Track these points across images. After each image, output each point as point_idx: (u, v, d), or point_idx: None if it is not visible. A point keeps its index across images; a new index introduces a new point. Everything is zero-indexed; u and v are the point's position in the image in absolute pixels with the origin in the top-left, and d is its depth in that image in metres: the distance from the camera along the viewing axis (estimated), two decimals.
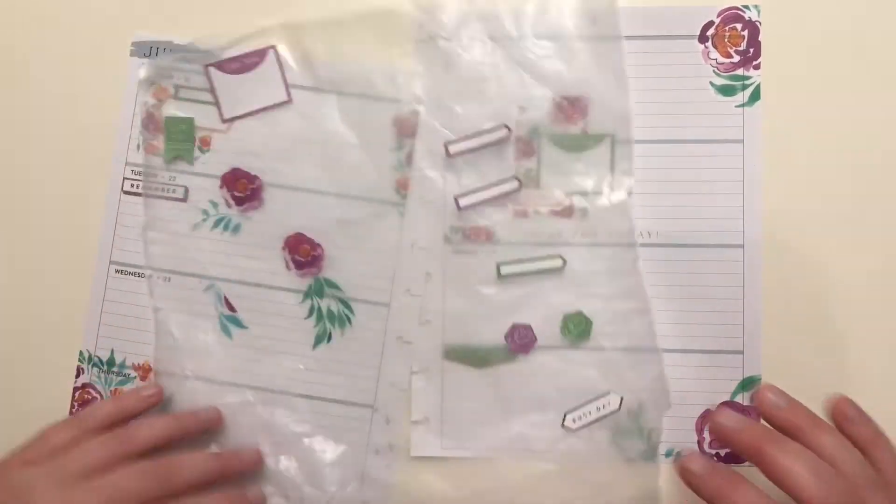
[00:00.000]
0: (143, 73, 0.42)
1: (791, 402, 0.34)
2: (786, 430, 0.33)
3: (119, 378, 0.42)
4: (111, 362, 0.42)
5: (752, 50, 0.40)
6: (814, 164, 0.40)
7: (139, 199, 0.42)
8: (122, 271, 0.42)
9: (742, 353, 0.40)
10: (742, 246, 0.40)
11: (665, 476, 0.40)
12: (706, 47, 0.40)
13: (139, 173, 0.42)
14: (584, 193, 0.41)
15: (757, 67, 0.40)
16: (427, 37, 0.41)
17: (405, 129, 0.41)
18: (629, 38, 0.41)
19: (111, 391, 0.42)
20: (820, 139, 0.40)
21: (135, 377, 0.42)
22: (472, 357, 0.41)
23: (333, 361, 0.41)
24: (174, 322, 0.41)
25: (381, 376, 0.41)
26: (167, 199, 0.42)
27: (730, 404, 0.40)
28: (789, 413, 0.33)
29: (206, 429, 0.40)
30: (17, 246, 0.43)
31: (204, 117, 0.42)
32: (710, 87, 0.40)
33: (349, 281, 0.41)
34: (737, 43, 0.40)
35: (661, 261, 0.40)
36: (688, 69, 0.41)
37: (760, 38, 0.40)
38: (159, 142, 0.42)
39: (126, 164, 0.42)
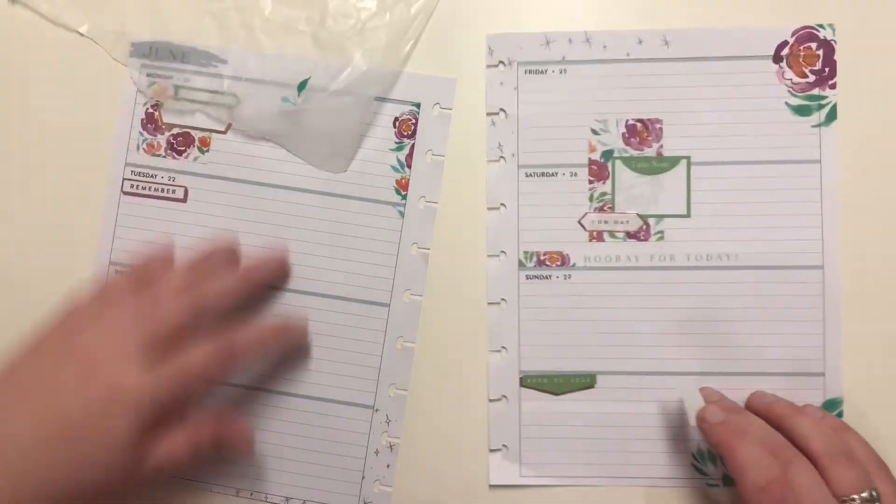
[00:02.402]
0: (141, 73, 0.42)
1: (776, 398, 0.38)
2: (771, 419, 0.37)
3: None
4: None
5: (827, 69, 0.40)
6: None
7: (139, 200, 0.42)
8: (122, 272, 0.42)
9: (823, 374, 0.40)
10: (821, 267, 0.40)
11: None
12: (780, 67, 0.40)
13: (139, 174, 0.42)
14: (659, 216, 0.40)
15: (833, 87, 0.40)
16: (497, 62, 0.41)
17: (404, 129, 0.41)
18: (702, 59, 0.40)
19: None
20: None
21: None
22: (550, 384, 0.40)
23: (333, 362, 0.41)
24: None
25: (381, 377, 0.41)
26: (167, 199, 0.42)
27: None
28: (773, 403, 0.38)
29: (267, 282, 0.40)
30: (17, 246, 0.42)
31: (203, 118, 0.42)
32: (785, 107, 0.40)
33: (349, 281, 0.41)
34: (812, 62, 0.40)
35: (740, 283, 0.40)
36: (762, 89, 0.40)
37: (836, 57, 0.40)
38: (159, 142, 0.42)
39: (126, 164, 0.42)
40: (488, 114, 0.41)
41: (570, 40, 0.41)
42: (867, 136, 0.40)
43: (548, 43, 0.41)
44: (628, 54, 0.40)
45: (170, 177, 0.42)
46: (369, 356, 0.41)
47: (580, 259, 0.40)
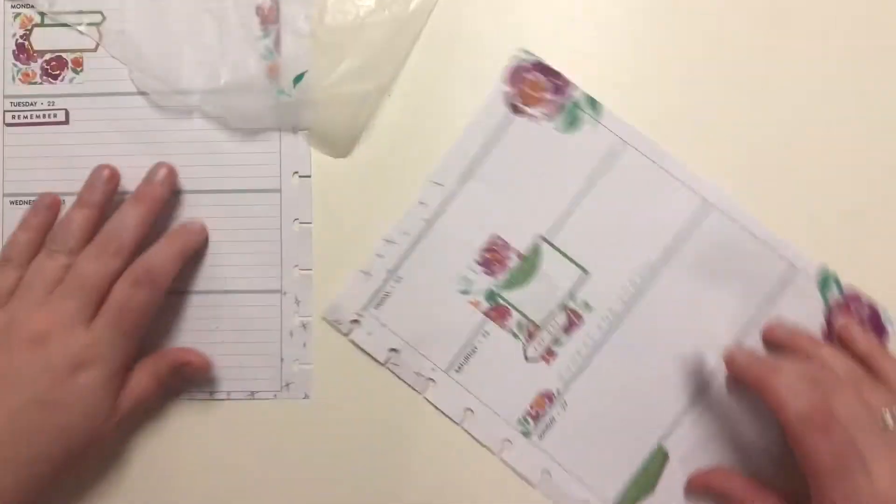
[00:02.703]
0: (5, 5, 0.43)
1: (794, 329, 0.39)
2: (791, 349, 0.37)
3: None
4: None
5: (557, 78, 0.41)
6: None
7: (22, 129, 0.43)
8: (16, 202, 0.42)
9: (794, 267, 0.40)
10: (713, 205, 0.41)
11: None
12: (523, 114, 0.41)
13: (18, 104, 0.43)
14: (571, 295, 0.41)
15: (572, 87, 0.41)
16: None
17: (268, 17, 0.42)
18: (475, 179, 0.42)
19: None
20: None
21: None
22: (638, 486, 0.40)
23: (235, 254, 0.42)
24: None
25: (284, 260, 0.42)
26: (49, 124, 0.43)
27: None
28: (793, 335, 0.38)
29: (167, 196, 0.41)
30: None
31: (73, 40, 0.42)
32: (557, 132, 0.41)
33: (238, 173, 0.42)
34: (541, 86, 0.42)
35: (677, 275, 0.40)
36: (537, 142, 0.41)
37: (552, 64, 0.42)
38: (33, 70, 0.43)
39: (4, 96, 0.43)
40: (384, 361, 0.41)
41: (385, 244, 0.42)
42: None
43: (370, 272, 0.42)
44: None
45: (49, 101, 0.43)
46: (269, 242, 0.42)
47: (558, 386, 0.40)
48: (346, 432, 0.41)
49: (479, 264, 0.41)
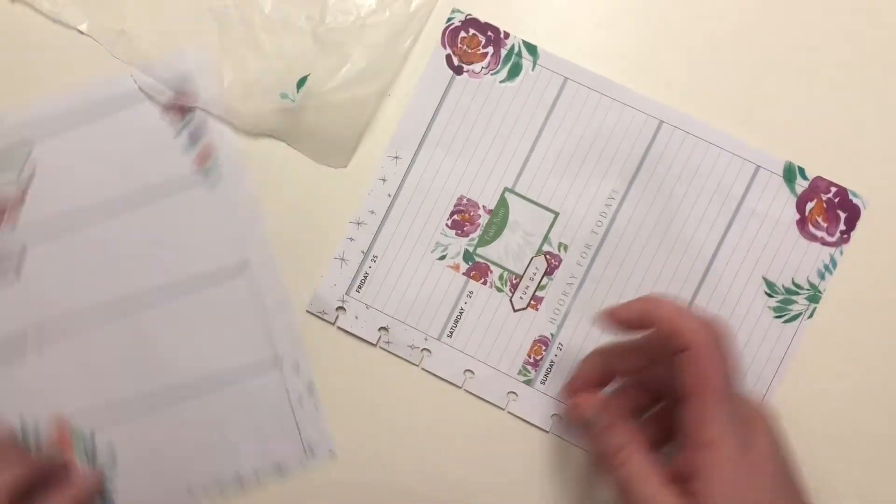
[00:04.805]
0: None
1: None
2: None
3: None
4: None
5: (490, 33, 0.42)
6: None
7: None
8: None
9: (758, 167, 0.40)
10: (668, 124, 0.41)
11: None
12: (463, 76, 0.42)
13: None
14: (544, 238, 0.41)
15: (507, 35, 0.42)
16: None
17: (178, 111, 0.41)
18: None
19: None
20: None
21: None
22: None
23: (224, 339, 0.41)
24: None
25: (271, 330, 0.41)
26: None
27: None
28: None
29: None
30: None
31: None
32: (500, 84, 0.41)
33: (194, 258, 0.41)
34: (476, 43, 0.42)
35: (641, 203, 0.41)
36: (482, 99, 0.42)
37: (484, 19, 0.42)
38: None
39: None
40: (375, 342, 0.41)
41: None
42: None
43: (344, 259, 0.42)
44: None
45: None
46: (250, 319, 0.41)
47: (551, 330, 0.41)
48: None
49: (450, 227, 0.41)
